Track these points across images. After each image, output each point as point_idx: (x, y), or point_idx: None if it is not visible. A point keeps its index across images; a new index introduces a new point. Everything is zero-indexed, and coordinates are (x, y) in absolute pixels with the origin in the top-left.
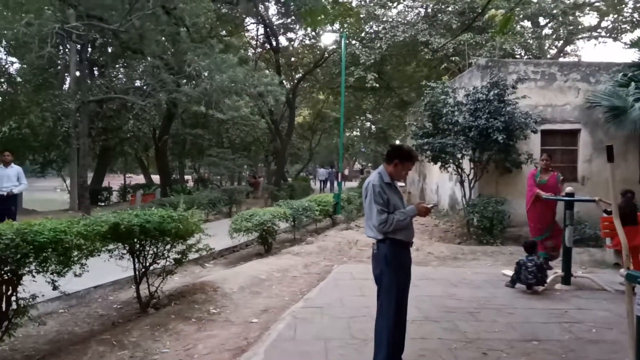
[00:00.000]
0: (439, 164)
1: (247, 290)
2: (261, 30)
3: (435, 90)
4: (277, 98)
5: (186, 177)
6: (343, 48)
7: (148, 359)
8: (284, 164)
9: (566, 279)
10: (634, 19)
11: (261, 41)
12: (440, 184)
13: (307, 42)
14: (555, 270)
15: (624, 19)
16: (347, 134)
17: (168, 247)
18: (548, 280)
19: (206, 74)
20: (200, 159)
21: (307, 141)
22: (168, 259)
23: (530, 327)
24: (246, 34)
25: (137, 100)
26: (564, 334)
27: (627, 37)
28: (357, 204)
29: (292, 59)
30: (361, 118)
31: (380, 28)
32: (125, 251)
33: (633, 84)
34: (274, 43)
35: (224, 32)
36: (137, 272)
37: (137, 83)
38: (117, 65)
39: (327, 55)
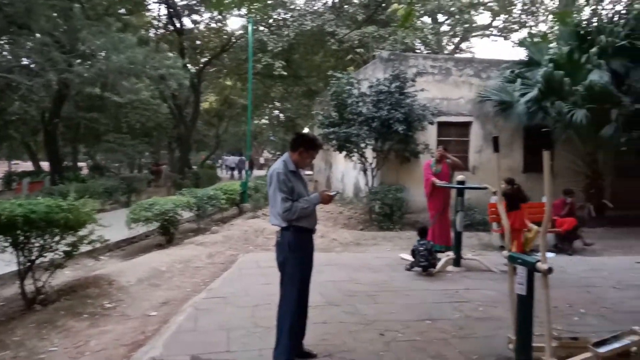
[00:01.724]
0: (344, 153)
1: (145, 283)
2: (164, 11)
3: (340, 81)
4: (180, 82)
5: (80, 164)
6: (250, 33)
7: (33, 359)
8: (189, 151)
9: (457, 261)
10: (522, 20)
11: (164, 22)
12: (345, 172)
13: (214, 25)
14: (448, 253)
15: (513, 20)
16: (256, 122)
17: (57, 238)
18: (441, 263)
19: (103, 54)
20: (96, 144)
21: (213, 128)
22: (57, 251)
23: (425, 307)
24: (147, 14)
25: (24, 79)
26: (454, 312)
27: (516, 36)
28: (264, 192)
29: (198, 42)
30: (269, 106)
31: (288, 16)
32: (7, 244)
33: (519, 80)
34: (178, 24)
35: (122, 10)
36: (21, 267)
37: (24, 61)
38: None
39: (234, 40)
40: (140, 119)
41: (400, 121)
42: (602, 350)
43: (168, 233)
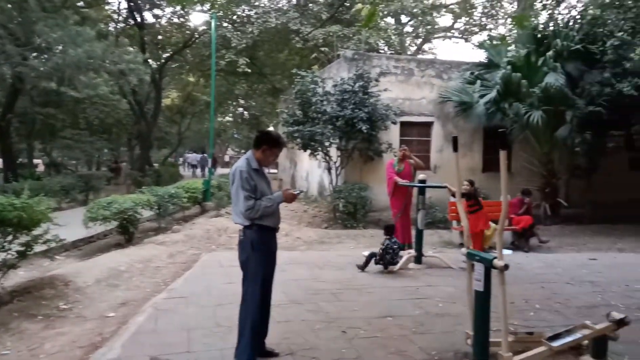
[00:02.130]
0: (309, 151)
1: (103, 283)
2: (124, 4)
3: (305, 79)
4: (140, 77)
5: (36, 161)
6: (213, 29)
7: None
8: (150, 149)
9: (418, 258)
10: (483, 23)
11: (124, 16)
12: (310, 171)
13: (176, 20)
14: (409, 250)
15: (474, 22)
16: (219, 119)
17: (9, 238)
18: (402, 261)
19: (60, 47)
20: (52, 141)
21: (175, 125)
22: (9, 251)
23: (386, 304)
24: (107, 7)
25: None
26: (415, 309)
27: (476, 39)
28: (228, 191)
29: (159, 37)
30: (234, 103)
31: (252, 12)
32: None
33: (479, 82)
34: (139, 19)
35: (81, 2)
36: None
37: None
38: None
39: (197, 35)
40: (99, 115)
41: (364, 120)
42: (556, 344)
43: (127, 232)
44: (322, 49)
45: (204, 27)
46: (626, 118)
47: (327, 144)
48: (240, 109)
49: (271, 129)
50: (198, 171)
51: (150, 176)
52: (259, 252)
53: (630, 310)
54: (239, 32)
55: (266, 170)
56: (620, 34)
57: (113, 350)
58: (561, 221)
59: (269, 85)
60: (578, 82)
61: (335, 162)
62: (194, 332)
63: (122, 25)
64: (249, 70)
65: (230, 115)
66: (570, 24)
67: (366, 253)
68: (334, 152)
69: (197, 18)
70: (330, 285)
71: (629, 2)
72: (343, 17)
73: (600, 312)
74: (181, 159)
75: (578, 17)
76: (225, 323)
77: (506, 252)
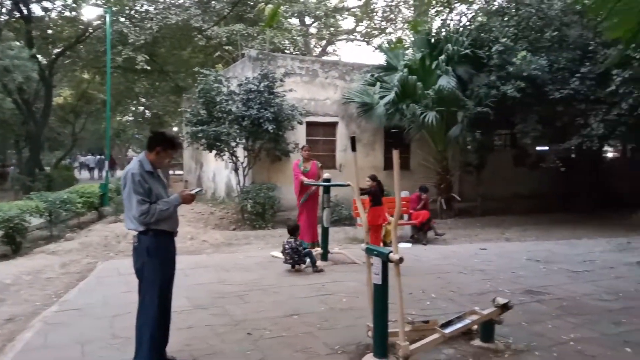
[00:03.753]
0: (215, 152)
1: None
2: None
3: (208, 78)
4: (27, 74)
5: None
6: (108, 24)
7: None
8: (40, 151)
9: (324, 255)
10: (382, 26)
11: (8, 8)
12: (216, 171)
13: (68, 14)
14: (316, 248)
15: (374, 26)
16: (118, 119)
17: None
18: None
19: None
20: None
21: (69, 125)
22: None
23: (293, 302)
24: None
25: None
26: (320, 305)
27: (377, 42)
28: None
29: (49, 31)
30: (134, 102)
31: (152, 8)
32: None
33: (378, 83)
34: (25, 11)
35: None
36: None
37: None
38: None
39: (91, 30)
40: None
41: (270, 120)
42: (448, 330)
43: (14, 242)
44: (226, 47)
45: (99, 22)
46: (510, 118)
47: (233, 144)
48: (142, 108)
49: (175, 129)
50: (96, 174)
51: (40, 181)
52: (155, 258)
53: (515, 295)
54: (137, 28)
55: (160, 172)
56: (504, 40)
57: None
58: (455, 214)
59: (171, 83)
60: (468, 85)
61: (242, 163)
62: (89, 346)
63: (5, 18)
64: (149, 68)
65: (131, 114)
66: (461, 30)
67: (274, 253)
68: (240, 152)
69: (91, 12)
70: (236, 287)
71: (512, 11)
72: (247, 15)
73: (489, 298)
74: (76, 162)
75: (467, 23)
76: (123, 334)
77: (406, 245)
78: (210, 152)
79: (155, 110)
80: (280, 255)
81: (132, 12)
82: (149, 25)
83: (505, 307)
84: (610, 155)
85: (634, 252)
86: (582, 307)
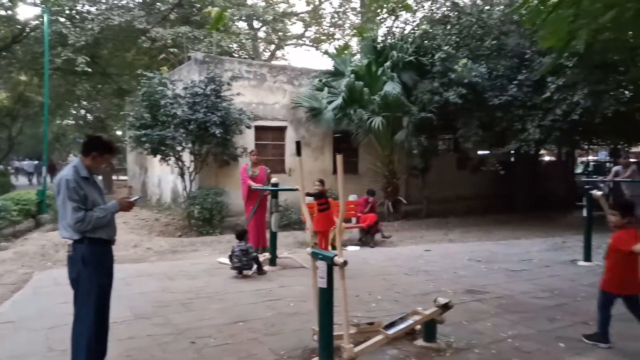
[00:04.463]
0: (159, 156)
1: None
2: None
3: (152, 81)
4: None
5: None
6: (46, 24)
7: None
8: None
9: (273, 260)
10: (331, 32)
11: None
12: (162, 177)
13: (3, 12)
14: (264, 254)
15: (323, 31)
16: (58, 122)
17: None
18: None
19: None
20: None
21: (5, 129)
22: None
23: (239, 309)
24: None
25: None
26: (267, 311)
27: (325, 47)
28: None
29: None
30: (75, 105)
31: (94, 8)
32: None
33: (326, 88)
34: None
35: None
36: None
37: None
38: None
39: (28, 30)
40: None
41: (217, 124)
42: (391, 331)
43: None
44: (172, 50)
45: (37, 22)
46: (453, 123)
47: (179, 148)
48: (83, 111)
49: (119, 132)
50: (35, 179)
51: None
52: (91, 267)
53: (457, 295)
54: (77, 29)
55: (97, 178)
56: (446, 47)
57: None
58: (402, 217)
59: (114, 86)
60: (412, 91)
61: (188, 167)
62: None
63: None
64: (90, 70)
65: (72, 118)
66: (405, 37)
67: (222, 260)
68: (187, 156)
69: (28, 11)
70: (181, 295)
71: (454, 20)
72: (193, 18)
73: (432, 299)
74: (12, 168)
75: (412, 31)
76: (60, 347)
77: (354, 248)
78: (155, 156)
79: (97, 113)
80: (227, 261)
81: (73, 12)
82: (90, 26)
83: (446, 307)
84: (546, 158)
85: (568, 251)
86: (519, 305)
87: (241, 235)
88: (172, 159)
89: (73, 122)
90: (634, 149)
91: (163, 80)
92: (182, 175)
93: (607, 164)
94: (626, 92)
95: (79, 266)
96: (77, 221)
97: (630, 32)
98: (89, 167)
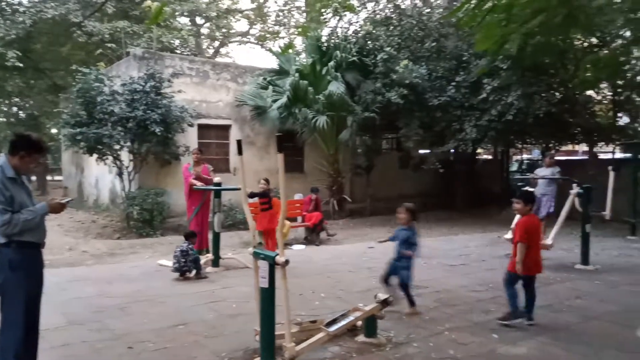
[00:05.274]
0: (96, 155)
1: None
2: None
3: (88, 77)
4: None
5: None
6: None
7: None
8: None
9: (215, 261)
10: (276, 30)
11: None
12: (99, 177)
13: None
14: (207, 255)
15: (268, 29)
16: None
17: None
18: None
19: None
20: None
21: None
22: None
23: (180, 312)
24: None
25: None
26: (209, 313)
27: (270, 45)
28: None
29: None
30: (6, 102)
31: (25, 0)
32: None
33: (271, 87)
34: None
35: None
36: None
37: None
38: None
39: None
40: None
41: (157, 122)
42: (332, 329)
43: None
44: (110, 45)
45: None
46: (395, 123)
47: (117, 147)
48: (15, 108)
49: (54, 130)
50: None
51: None
52: (19, 272)
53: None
54: (7, 22)
55: (25, 179)
56: (388, 48)
57: None
58: (347, 215)
59: (48, 81)
60: (356, 91)
61: (127, 167)
62: None
63: None
64: (22, 65)
65: (2, 115)
66: (349, 37)
67: (162, 262)
68: (125, 156)
69: None
70: (118, 300)
71: (395, 21)
72: (132, 13)
73: (374, 295)
74: None
75: (355, 31)
76: None
77: (299, 247)
78: (91, 155)
79: (30, 110)
80: (168, 263)
81: (2, 4)
82: (21, 19)
83: (385, 303)
84: (483, 157)
85: (503, 246)
86: (456, 299)
87: (187, 236)
88: (110, 158)
89: (4, 119)
90: (564, 148)
91: (100, 76)
92: (120, 175)
93: (540, 162)
94: (556, 93)
95: (5, 271)
96: (3, 224)
97: (560, 37)
98: (17, 167)
